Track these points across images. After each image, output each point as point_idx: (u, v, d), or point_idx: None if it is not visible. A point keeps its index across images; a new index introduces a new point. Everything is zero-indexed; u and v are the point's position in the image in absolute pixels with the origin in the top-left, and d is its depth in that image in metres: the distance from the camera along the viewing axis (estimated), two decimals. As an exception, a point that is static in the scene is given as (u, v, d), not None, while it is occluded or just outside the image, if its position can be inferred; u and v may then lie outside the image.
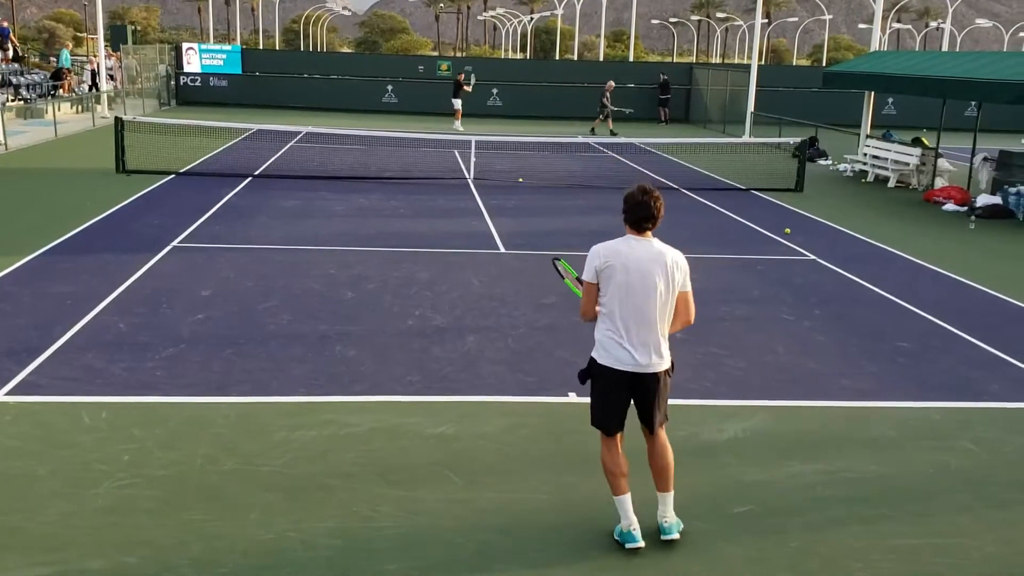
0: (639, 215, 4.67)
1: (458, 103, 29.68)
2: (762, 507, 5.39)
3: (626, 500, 4.85)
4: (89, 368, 7.22)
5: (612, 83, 30.94)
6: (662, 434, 4.94)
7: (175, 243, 11.69)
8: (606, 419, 4.85)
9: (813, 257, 12.34)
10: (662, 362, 4.76)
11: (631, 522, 4.82)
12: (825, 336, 8.81)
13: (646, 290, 4.65)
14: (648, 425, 4.89)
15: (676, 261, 4.72)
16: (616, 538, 4.89)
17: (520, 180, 18.58)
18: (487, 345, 8.14)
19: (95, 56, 34.34)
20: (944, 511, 5.45)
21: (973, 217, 15.92)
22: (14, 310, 8.68)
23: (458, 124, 29.20)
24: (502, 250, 12.15)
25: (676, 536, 4.90)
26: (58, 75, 32.49)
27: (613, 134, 28.78)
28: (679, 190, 18.17)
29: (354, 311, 9.05)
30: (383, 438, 6.13)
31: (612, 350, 4.72)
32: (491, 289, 10.05)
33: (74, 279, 9.78)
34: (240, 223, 13.15)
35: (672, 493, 4.96)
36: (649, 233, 4.73)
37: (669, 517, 4.94)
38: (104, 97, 30.26)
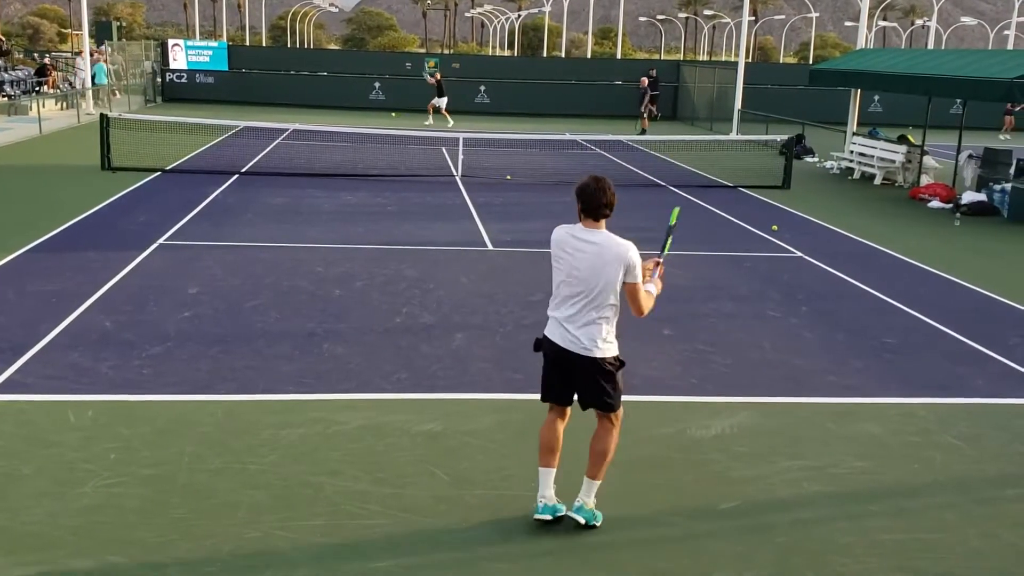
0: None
1: (435, 101, 29.63)
2: (749, 503, 5.42)
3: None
4: (75, 366, 7.18)
5: (645, 79, 30.76)
6: (610, 424, 5.08)
7: (161, 240, 11.64)
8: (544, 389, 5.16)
9: (800, 254, 12.39)
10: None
11: (543, 495, 4.99)
12: (811, 332, 8.85)
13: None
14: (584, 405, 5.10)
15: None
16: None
17: (508, 177, 18.58)
18: (475, 342, 8.15)
19: (98, 54, 34.13)
20: (929, 506, 5.49)
21: (958, 214, 16.02)
22: (-1, 308, 8.62)
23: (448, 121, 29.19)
24: (490, 247, 12.16)
25: (579, 519, 4.97)
26: (42, 71, 32.31)
27: (642, 131, 28.66)
28: (666, 187, 18.21)
29: (342, 309, 9.03)
30: (371, 436, 6.12)
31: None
32: (479, 286, 10.06)
33: (59, 277, 9.73)
34: (227, 221, 13.10)
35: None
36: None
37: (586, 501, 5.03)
38: (89, 94, 30.08)
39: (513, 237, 12.75)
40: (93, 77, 30.89)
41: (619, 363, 4.89)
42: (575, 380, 4.94)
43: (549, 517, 4.95)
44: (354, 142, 22.42)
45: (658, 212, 15.45)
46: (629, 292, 4.77)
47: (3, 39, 32.12)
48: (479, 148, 22.18)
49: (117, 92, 32.58)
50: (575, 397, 5.03)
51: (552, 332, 4.92)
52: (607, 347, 4.83)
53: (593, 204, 4.78)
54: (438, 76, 30.69)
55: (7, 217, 12.91)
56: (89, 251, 10.97)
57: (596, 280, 4.72)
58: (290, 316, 8.70)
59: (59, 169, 17.53)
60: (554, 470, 5.02)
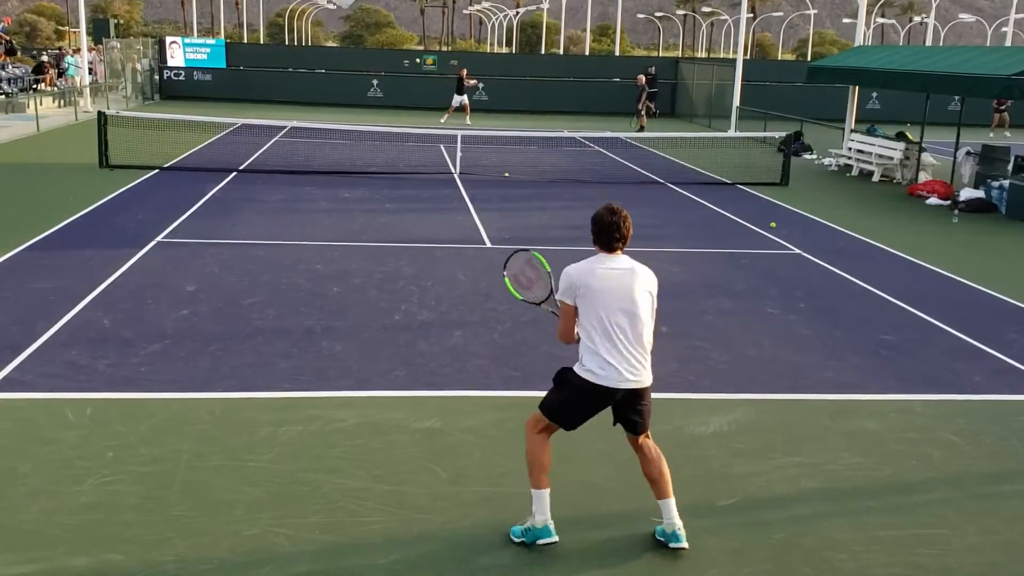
0: (610, 236, 4.67)
1: (459, 99, 29.57)
2: (746, 500, 5.42)
3: (547, 494, 4.80)
4: (72, 364, 7.17)
5: (643, 77, 30.73)
6: (650, 441, 4.90)
7: (159, 238, 11.63)
8: (568, 420, 4.81)
9: (798, 251, 12.39)
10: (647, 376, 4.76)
11: (548, 517, 4.79)
12: (809, 329, 8.85)
13: (628, 306, 4.65)
14: (635, 432, 4.85)
15: (648, 276, 4.77)
16: (522, 538, 4.78)
17: (506, 175, 18.58)
18: (472, 340, 8.15)
19: (94, 50, 34.12)
20: (926, 502, 5.50)
21: (956, 211, 16.03)
22: (-4, 306, 8.62)
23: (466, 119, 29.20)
24: (488, 245, 12.15)
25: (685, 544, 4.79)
26: (40, 69, 32.26)
27: (640, 129, 28.61)
28: (664, 184, 18.21)
29: (340, 306, 9.03)
30: (369, 433, 6.12)
31: (598, 367, 4.63)
32: (477, 284, 10.05)
33: (57, 275, 9.72)
34: (225, 218, 13.09)
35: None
36: (619, 252, 4.74)
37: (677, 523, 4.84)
38: (87, 91, 30.04)
39: (511, 234, 12.74)
40: (66, 70, 31.07)
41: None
42: (626, 411, 4.76)
43: (557, 539, 4.80)
44: (352, 139, 22.41)
45: (656, 210, 15.46)
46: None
47: (10, 39, 32.10)
48: (477, 145, 22.16)
49: (99, 87, 32.51)
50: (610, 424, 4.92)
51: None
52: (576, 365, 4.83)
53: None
54: (463, 73, 30.39)
55: (4, 215, 12.89)
56: (87, 249, 10.96)
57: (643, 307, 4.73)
58: (288, 313, 8.69)
59: (56, 167, 17.51)
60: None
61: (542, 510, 4.78)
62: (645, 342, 4.71)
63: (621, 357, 4.63)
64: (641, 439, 4.87)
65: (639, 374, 4.69)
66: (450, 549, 4.79)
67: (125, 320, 8.31)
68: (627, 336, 4.63)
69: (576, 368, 4.74)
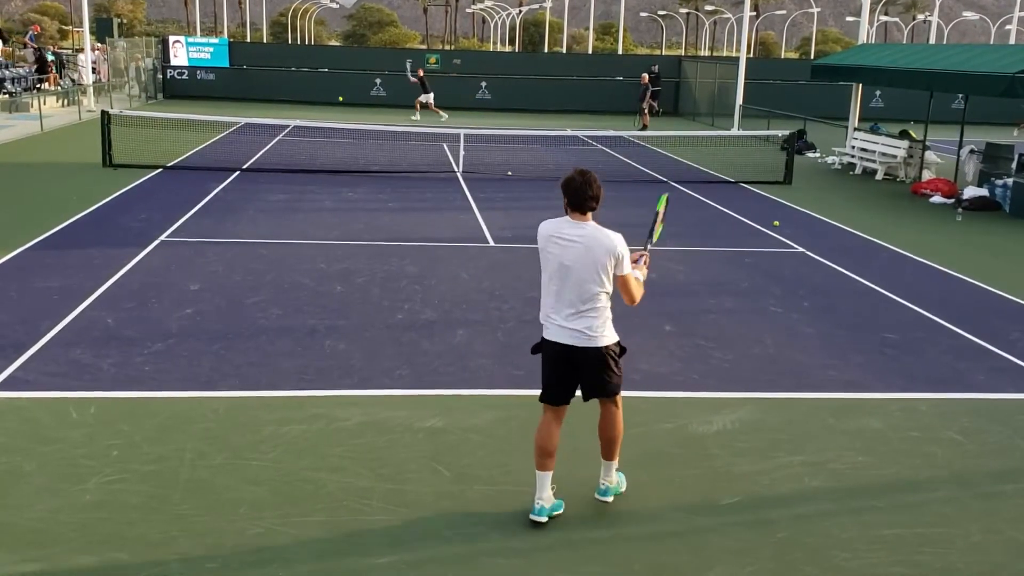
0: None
1: (421, 97, 29.84)
2: (750, 499, 5.42)
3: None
4: (76, 363, 7.19)
5: (646, 76, 30.75)
6: (611, 405, 5.11)
7: (163, 237, 11.65)
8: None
9: (801, 249, 12.38)
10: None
11: (540, 497, 5.01)
12: (812, 328, 8.84)
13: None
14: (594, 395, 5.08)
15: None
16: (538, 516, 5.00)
17: (509, 173, 18.57)
18: (476, 338, 8.15)
19: (98, 50, 34.19)
20: (930, 501, 5.49)
21: (960, 209, 16.00)
22: (0, 305, 8.63)
23: (443, 115, 29.38)
24: (491, 243, 12.16)
25: (608, 499, 5.22)
26: (43, 68, 32.31)
27: (643, 127, 28.60)
28: (667, 183, 18.19)
29: (343, 305, 9.03)
30: (372, 432, 6.13)
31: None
32: (480, 283, 10.06)
33: (61, 274, 9.73)
34: (228, 217, 13.10)
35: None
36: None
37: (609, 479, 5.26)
38: (90, 91, 30.06)
39: (514, 233, 12.75)
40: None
41: (621, 349, 4.98)
42: (580, 375, 4.95)
43: (545, 519, 4.97)
44: (355, 138, 22.42)
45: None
46: (620, 283, 4.86)
47: (40, 47, 32.18)
48: (480, 144, 22.16)
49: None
50: (575, 395, 5.07)
51: (553, 333, 4.94)
52: (607, 335, 4.88)
53: (580, 198, 4.81)
54: (420, 73, 30.65)
55: (9, 214, 12.92)
56: (91, 248, 10.97)
57: (588, 272, 4.78)
58: (291, 312, 8.70)
59: (60, 166, 17.53)
60: (551, 472, 5.02)
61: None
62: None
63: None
64: (604, 404, 5.16)
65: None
66: (453, 547, 4.79)
67: (129, 319, 8.32)
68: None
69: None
